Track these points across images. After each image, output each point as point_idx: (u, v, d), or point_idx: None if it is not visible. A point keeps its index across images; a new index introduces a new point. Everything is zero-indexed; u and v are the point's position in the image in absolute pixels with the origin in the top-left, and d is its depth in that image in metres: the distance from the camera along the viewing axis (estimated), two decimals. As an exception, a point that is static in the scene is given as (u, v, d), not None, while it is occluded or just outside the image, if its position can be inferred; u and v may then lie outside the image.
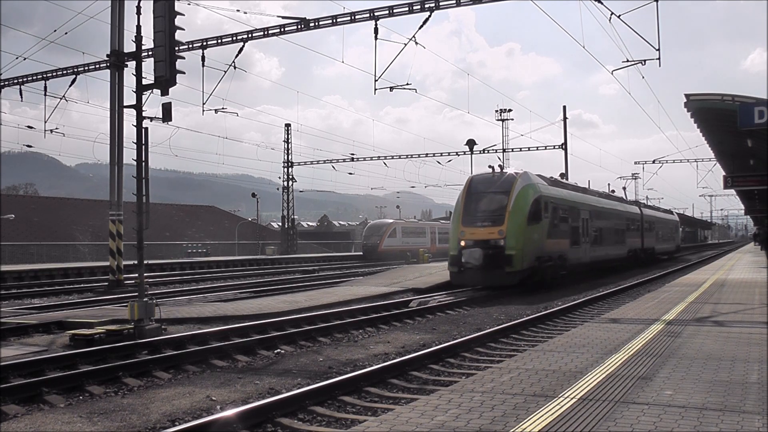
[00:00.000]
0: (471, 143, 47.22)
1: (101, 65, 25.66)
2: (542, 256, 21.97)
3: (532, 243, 21.31)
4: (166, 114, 12.69)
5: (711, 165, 50.06)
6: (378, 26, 20.47)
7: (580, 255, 26.61)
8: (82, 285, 26.65)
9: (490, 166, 23.32)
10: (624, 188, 57.42)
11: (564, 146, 44.40)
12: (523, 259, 20.57)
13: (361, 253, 56.98)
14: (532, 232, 21.47)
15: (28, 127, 30.47)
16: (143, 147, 12.65)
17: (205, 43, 24.15)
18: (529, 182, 22.28)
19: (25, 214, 56.76)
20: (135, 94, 13.03)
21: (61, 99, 27.87)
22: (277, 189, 62.95)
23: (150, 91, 13.03)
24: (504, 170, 23.41)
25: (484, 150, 47.23)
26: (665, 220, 50.87)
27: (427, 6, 20.37)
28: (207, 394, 7.94)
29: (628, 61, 19.48)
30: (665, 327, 10.01)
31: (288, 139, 58.64)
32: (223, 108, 27.64)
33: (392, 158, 50.90)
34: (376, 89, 21.32)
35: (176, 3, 12.81)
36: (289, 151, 58.89)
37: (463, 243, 20.92)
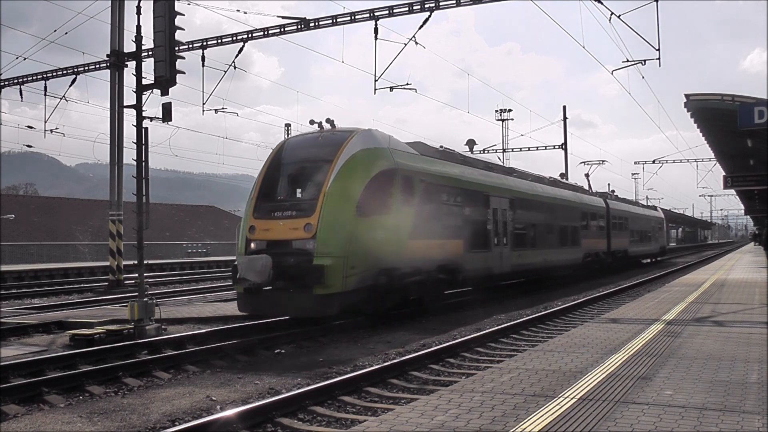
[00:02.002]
0: (471, 143, 47.20)
1: (101, 65, 25.65)
2: (398, 268, 13.86)
3: (370, 245, 13.01)
4: (166, 114, 12.70)
5: (711, 165, 50.16)
6: (378, 26, 20.49)
7: (490, 263, 18.48)
8: (82, 285, 26.64)
9: (312, 122, 14.79)
10: (587, 175, 42.63)
11: (564, 146, 44.39)
12: (348, 274, 12.38)
13: None
14: (373, 228, 13.18)
15: (28, 127, 30.46)
16: (143, 147, 12.66)
17: (205, 43, 24.15)
18: (371, 145, 13.88)
19: (25, 214, 56.78)
20: (135, 94, 13.04)
21: (61, 99, 27.87)
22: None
23: (150, 91, 13.04)
24: (339, 128, 14.62)
25: (484, 150, 47.22)
26: (644, 216, 42.34)
27: (427, 6, 20.36)
28: (207, 394, 7.94)
29: (628, 61, 19.51)
30: (665, 327, 10.01)
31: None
32: (222, 108, 27.61)
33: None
34: (376, 89, 21.33)
35: (176, 3, 12.81)
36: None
37: (253, 245, 13.11)
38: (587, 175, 42.37)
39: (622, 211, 35.97)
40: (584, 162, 45.61)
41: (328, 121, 14.59)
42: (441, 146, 18.01)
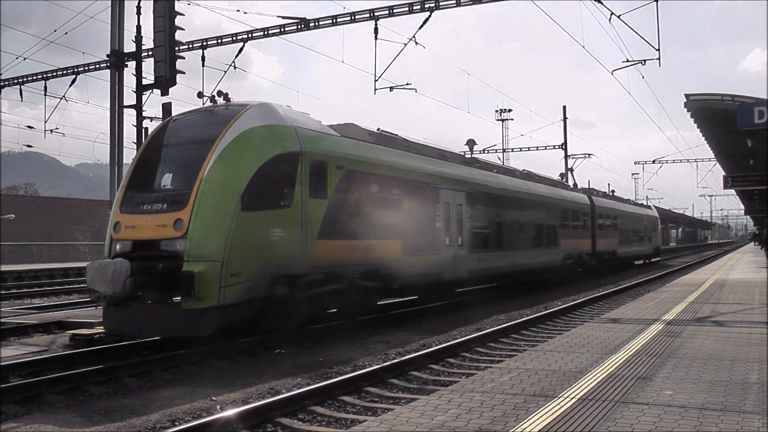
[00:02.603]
0: (471, 143, 47.20)
1: (101, 65, 25.64)
2: (304, 274, 11.49)
3: (261, 246, 10.74)
4: (166, 114, 12.72)
5: (711, 165, 50.18)
6: (378, 26, 20.49)
7: (439, 268, 15.84)
8: (82, 285, 26.58)
9: (201, 94, 12.87)
10: (571, 170, 39.37)
11: (564, 146, 44.38)
12: (227, 283, 10.07)
13: None
14: (265, 225, 10.86)
15: (28, 127, 30.46)
16: (143, 147, 12.63)
17: (205, 43, 24.14)
18: (269, 122, 11.43)
19: (25, 214, 56.76)
20: (135, 94, 13.04)
21: (61, 99, 27.85)
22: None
23: (150, 91, 13.06)
24: (234, 102, 12.24)
25: (484, 150, 47.23)
26: (635, 215, 39.45)
27: (427, 6, 20.35)
28: (207, 394, 7.94)
29: (628, 61, 19.51)
30: (665, 327, 10.01)
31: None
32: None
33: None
34: (376, 89, 21.32)
35: (176, 3, 12.81)
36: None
37: (118, 246, 10.82)
38: (571, 170, 38.77)
39: (610, 209, 33.30)
40: (569, 155, 42.16)
41: (220, 94, 12.28)
42: (378, 129, 15.52)
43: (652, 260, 45.01)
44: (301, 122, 12.22)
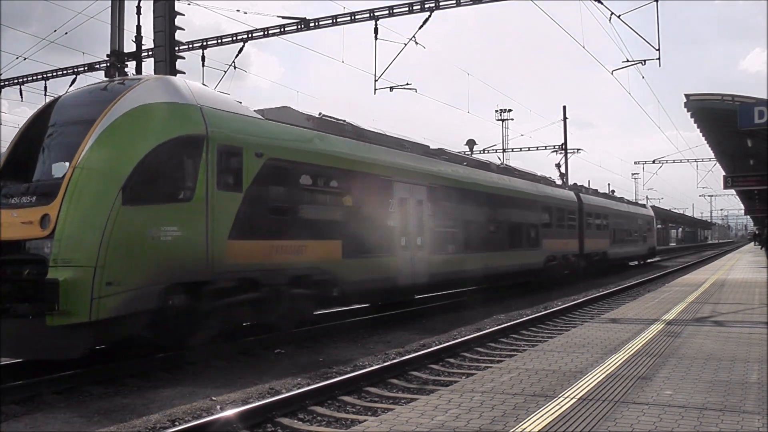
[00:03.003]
0: (471, 143, 47.20)
1: (101, 65, 25.65)
2: (210, 282, 9.83)
3: (150, 248, 9.03)
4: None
5: (711, 165, 50.20)
6: (378, 26, 20.49)
7: (391, 272, 14.03)
8: None
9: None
10: (557, 166, 36.47)
11: (564, 146, 44.39)
12: (103, 293, 8.40)
13: None
14: (156, 222, 9.14)
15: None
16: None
17: (205, 43, 24.14)
18: (165, 99, 9.70)
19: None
20: (135, 94, 13.00)
21: (60, 99, 27.86)
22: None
23: (150, 91, 13.01)
24: (130, 77, 11.55)
25: (484, 150, 47.23)
26: (629, 214, 37.39)
27: (427, 6, 20.36)
28: (207, 394, 7.94)
29: (628, 61, 19.54)
30: (665, 327, 10.01)
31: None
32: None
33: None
34: (376, 89, 21.34)
35: (176, 3, 12.82)
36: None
37: None
38: (558, 165, 35.90)
39: (600, 207, 31.27)
40: (555, 150, 39.53)
41: (115, 60, 10.35)
42: (320, 114, 13.79)
43: (648, 261, 43.40)
44: (211, 101, 10.37)
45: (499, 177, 20.78)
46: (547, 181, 26.72)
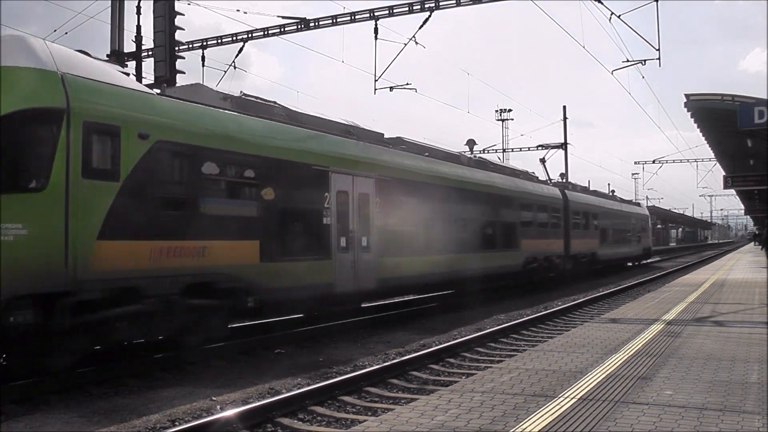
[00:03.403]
0: (471, 143, 47.20)
1: (101, 65, 25.61)
2: (72, 292, 7.99)
3: None
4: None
5: (711, 165, 50.24)
6: (378, 26, 20.50)
7: (327, 277, 12.12)
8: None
9: None
10: (542, 161, 31.96)
11: (564, 146, 44.40)
12: None
13: None
14: None
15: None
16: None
17: (205, 43, 24.14)
18: (7, 62, 7.95)
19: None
20: (135, 94, 13.01)
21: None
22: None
23: (150, 91, 13.03)
24: None
25: (484, 150, 47.24)
26: (621, 213, 35.35)
27: (427, 6, 20.36)
28: (207, 394, 7.94)
29: (628, 61, 19.56)
30: (665, 327, 10.01)
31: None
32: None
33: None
34: (376, 89, 21.35)
35: (176, 3, 12.83)
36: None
37: None
38: (543, 161, 31.84)
39: (589, 205, 29.23)
40: (540, 146, 35.39)
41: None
42: (242, 93, 12.13)
43: (642, 262, 41.20)
44: (78, 68, 8.49)
45: (470, 170, 18.63)
46: (527, 176, 24.34)
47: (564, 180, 33.99)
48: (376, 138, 15.02)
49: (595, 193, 33.80)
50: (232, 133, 10.42)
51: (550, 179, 29.11)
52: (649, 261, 43.27)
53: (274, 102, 12.58)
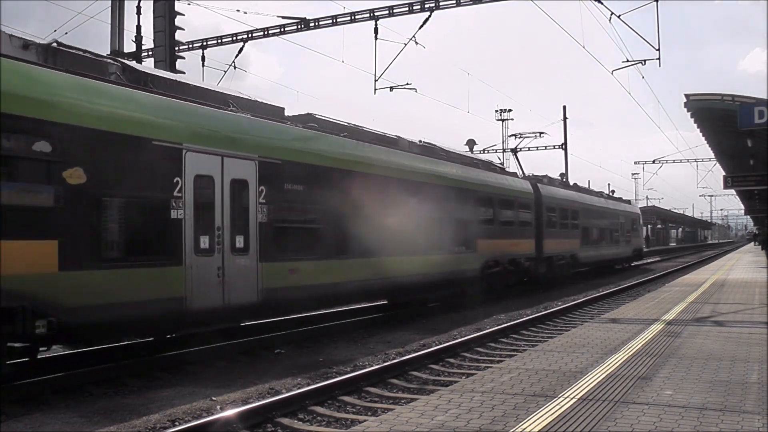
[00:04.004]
0: (471, 143, 47.20)
1: (101, 65, 25.61)
2: None
3: None
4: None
5: (711, 165, 50.27)
6: (378, 26, 20.51)
7: (178, 289, 9.16)
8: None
9: None
10: (514, 151, 29.09)
11: (564, 146, 44.41)
12: None
13: None
14: None
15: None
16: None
17: (205, 43, 24.15)
18: None
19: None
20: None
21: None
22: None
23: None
24: None
25: (484, 150, 47.26)
26: (607, 210, 32.10)
27: (427, 6, 20.37)
28: (207, 394, 7.94)
29: (628, 61, 19.59)
30: (665, 327, 10.01)
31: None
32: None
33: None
34: (376, 89, 21.36)
35: (176, 3, 12.82)
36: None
37: None
38: (515, 151, 28.10)
39: (568, 201, 26.09)
40: (514, 135, 30.96)
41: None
42: (55, 41, 9.46)
43: (633, 264, 38.20)
44: None
45: (409, 157, 15.46)
46: (489, 166, 21.24)
47: (564, 180, 33.87)
48: (271, 112, 12.08)
49: (577, 188, 30.13)
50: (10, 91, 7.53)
51: (524, 172, 25.80)
52: (640, 263, 40.42)
53: (108, 57, 10.52)
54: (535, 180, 24.35)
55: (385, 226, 13.37)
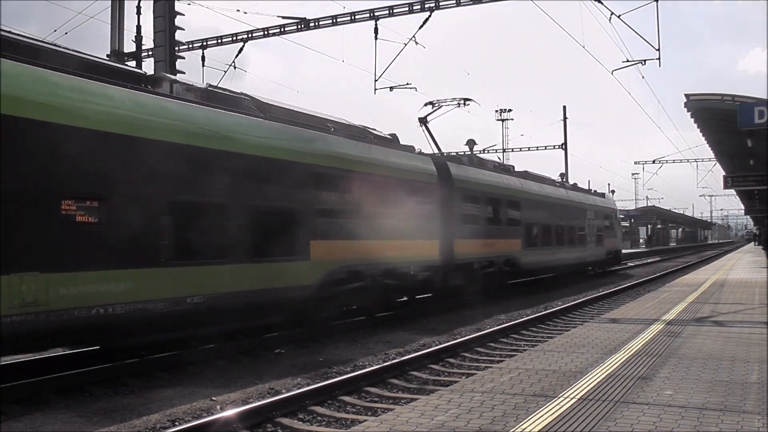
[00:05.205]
0: (471, 143, 47.21)
1: (101, 65, 25.60)
2: None
3: None
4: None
5: (711, 165, 50.25)
6: (378, 26, 20.52)
7: None
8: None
9: None
10: (422, 120, 19.02)
11: (564, 146, 44.44)
12: None
13: None
14: None
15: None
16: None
17: (205, 43, 24.15)
18: None
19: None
20: (135, 94, 13.00)
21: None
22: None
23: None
24: None
25: (484, 150, 47.27)
26: (568, 203, 26.03)
27: (427, 6, 20.37)
28: (207, 394, 7.94)
29: (628, 61, 19.57)
30: (665, 327, 10.02)
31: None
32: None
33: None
34: (376, 89, 21.35)
35: (176, 3, 12.83)
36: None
37: None
38: (424, 121, 18.91)
39: (500, 188, 19.81)
40: (430, 103, 19.47)
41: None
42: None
43: (609, 269, 32.19)
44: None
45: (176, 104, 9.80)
46: (350, 129, 14.26)
47: (563, 180, 33.79)
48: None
49: (524, 174, 23.53)
50: None
51: (440, 150, 19.35)
52: (617, 268, 34.46)
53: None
54: (444, 159, 17.97)
55: (126, 224, 8.48)
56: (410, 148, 16.38)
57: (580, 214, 27.48)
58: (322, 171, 12.24)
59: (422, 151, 17.19)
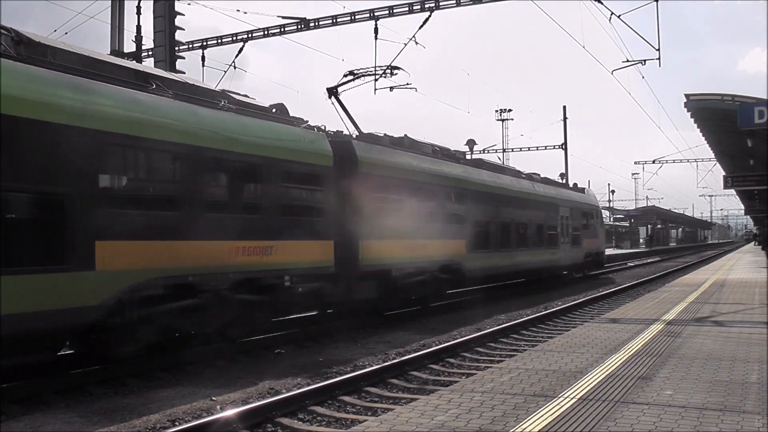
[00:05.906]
0: (471, 143, 47.21)
1: (101, 65, 25.58)
2: None
3: None
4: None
5: (711, 165, 50.22)
6: (378, 26, 20.51)
7: None
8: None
9: None
10: (332, 91, 14.98)
11: (564, 146, 44.43)
12: None
13: None
14: None
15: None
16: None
17: (205, 43, 24.15)
18: None
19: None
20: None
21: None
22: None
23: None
24: None
25: (484, 150, 47.27)
26: (533, 198, 22.38)
27: (427, 6, 20.37)
28: (207, 394, 7.94)
29: (628, 61, 19.55)
30: (665, 327, 10.02)
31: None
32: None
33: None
34: (376, 89, 21.33)
35: (176, 3, 12.83)
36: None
37: None
38: (333, 92, 15.10)
39: (435, 177, 16.08)
40: (351, 72, 15.51)
41: None
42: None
43: (590, 273, 28.87)
44: None
45: None
46: (196, 88, 10.81)
47: (563, 180, 33.75)
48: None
49: (478, 162, 20.77)
50: None
51: (359, 129, 15.17)
52: (599, 272, 30.36)
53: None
54: (348, 138, 14.09)
55: None
56: (296, 121, 12.43)
57: (551, 210, 23.84)
58: (113, 140, 8.35)
59: (324, 128, 13.27)
